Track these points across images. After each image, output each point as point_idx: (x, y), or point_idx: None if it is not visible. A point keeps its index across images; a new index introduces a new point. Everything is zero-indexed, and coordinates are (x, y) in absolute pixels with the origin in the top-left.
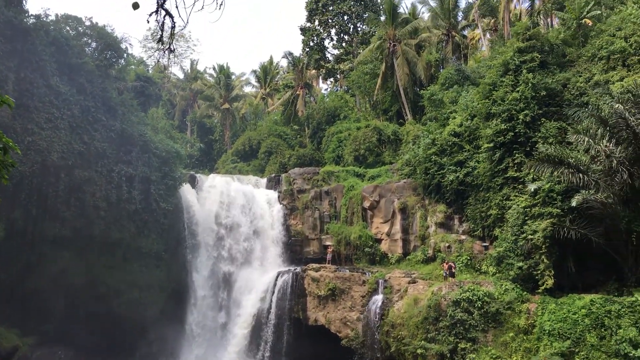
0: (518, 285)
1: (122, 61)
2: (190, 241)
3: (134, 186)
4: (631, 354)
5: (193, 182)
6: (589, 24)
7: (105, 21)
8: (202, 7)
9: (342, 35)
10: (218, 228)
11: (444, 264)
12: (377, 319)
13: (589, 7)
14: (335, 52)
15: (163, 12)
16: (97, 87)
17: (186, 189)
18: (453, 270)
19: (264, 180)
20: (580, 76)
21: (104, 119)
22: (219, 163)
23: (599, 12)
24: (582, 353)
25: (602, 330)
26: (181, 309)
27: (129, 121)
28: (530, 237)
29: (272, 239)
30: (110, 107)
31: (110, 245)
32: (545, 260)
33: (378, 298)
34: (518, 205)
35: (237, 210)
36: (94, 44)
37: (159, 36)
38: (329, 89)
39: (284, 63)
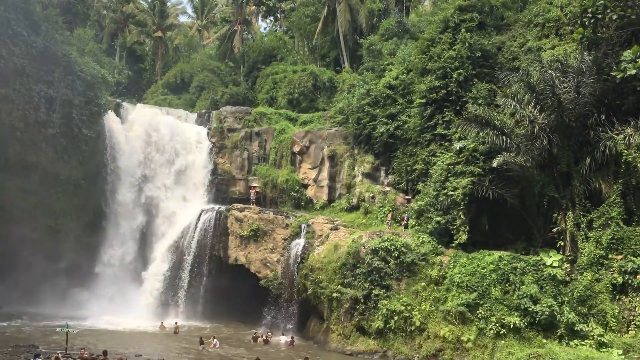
0: (434, 239)
1: None
2: (112, 171)
3: (54, 109)
4: (530, 309)
5: (118, 111)
6: None
7: None
8: None
9: None
10: (142, 160)
11: (389, 214)
12: (297, 262)
13: None
14: None
15: None
16: None
17: (111, 117)
18: (406, 222)
19: (193, 116)
20: (514, 40)
21: (25, 34)
22: (148, 93)
23: None
24: (486, 305)
25: (507, 285)
26: (99, 239)
27: (52, 39)
28: (450, 193)
29: (197, 176)
30: (33, 22)
31: (26, 169)
32: (462, 217)
33: (300, 242)
34: (443, 162)
35: (163, 143)
36: None
37: None
38: (268, 28)
39: None
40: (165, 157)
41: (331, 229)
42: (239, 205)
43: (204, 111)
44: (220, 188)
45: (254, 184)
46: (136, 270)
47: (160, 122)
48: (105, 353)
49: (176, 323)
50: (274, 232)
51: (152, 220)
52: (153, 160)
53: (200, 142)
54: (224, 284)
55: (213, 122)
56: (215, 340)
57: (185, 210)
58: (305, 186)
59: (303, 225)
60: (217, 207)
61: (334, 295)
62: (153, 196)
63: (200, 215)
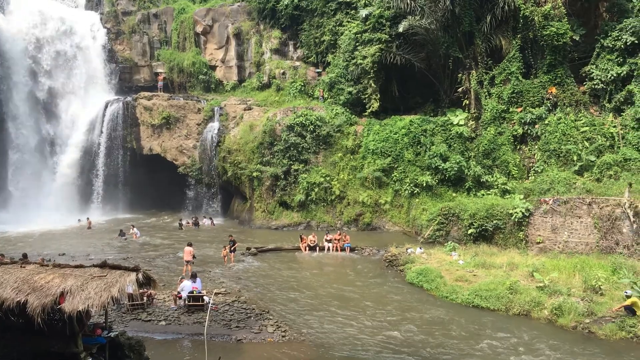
0: (347, 109)
1: None
2: (1, 67)
3: None
4: (440, 167)
5: None
6: None
7: None
8: None
9: None
10: (31, 52)
11: (321, 90)
12: (213, 146)
13: None
14: None
15: None
16: None
17: None
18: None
19: (82, 0)
20: None
21: None
22: None
23: None
24: (400, 168)
25: (418, 147)
26: (1, 143)
27: None
28: (360, 62)
29: (97, 66)
30: None
31: None
32: (372, 85)
33: (214, 125)
34: (350, 31)
35: (53, 32)
36: None
37: None
38: None
39: None
40: (57, 47)
41: (245, 110)
42: (147, 94)
43: None
44: (124, 77)
45: (160, 70)
46: (46, 171)
47: (45, 10)
48: (25, 256)
49: (88, 219)
50: (186, 118)
51: (54, 114)
52: (44, 51)
53: (93, 30)
54: (141, 176)
55: (105, 6)
56: (134, 229)
57: (89, 103)
58: (213, 68)
59: (216, 109)
60: (122, 97)
61: (254, 174)
62: (51, 89)
63: (105, 107)
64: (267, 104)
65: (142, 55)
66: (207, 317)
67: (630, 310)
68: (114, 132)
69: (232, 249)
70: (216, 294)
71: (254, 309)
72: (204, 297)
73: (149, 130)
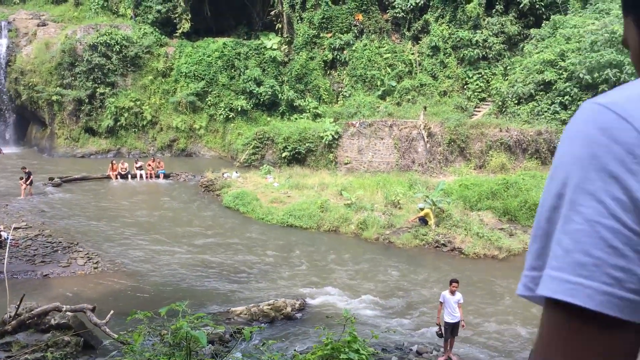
0: (157, 29)
1: None
2: None
3: None
4: (255, 91)
5: None
6: None
7: None
8: None
9: None
10: None
11: (131, 9)
12: (2, 66)
13: None
14: None
15: None
16: None
17: None
18: None
19: None
20: None
21: None
22: None
23: None
24: (214, 92)
25: (232, 70)
26: None
27: None
28: None
29: None
30: None
31: None
32: (182, 4)
33: (2, 43)
34: None
35: None
36: None
37: None
38: None
39: None
40: None
41: (38, 25)
42: None
43: None
44: None
45: None
46: None
47: None
48: None
49: None
50: None
51: None
52: None
53: None
54: None
55: None
56: None
57: None
58: None
59: (3, 23)
60: None
61: (54, 98)
62: None
63: None
64: (64, 19)
65: None
66: (7, 254)
67: (423, 220)
68: None
69: (27, 181)
70: (15, 228)
71: (60, 242)
72: (1, 233)
73: None
